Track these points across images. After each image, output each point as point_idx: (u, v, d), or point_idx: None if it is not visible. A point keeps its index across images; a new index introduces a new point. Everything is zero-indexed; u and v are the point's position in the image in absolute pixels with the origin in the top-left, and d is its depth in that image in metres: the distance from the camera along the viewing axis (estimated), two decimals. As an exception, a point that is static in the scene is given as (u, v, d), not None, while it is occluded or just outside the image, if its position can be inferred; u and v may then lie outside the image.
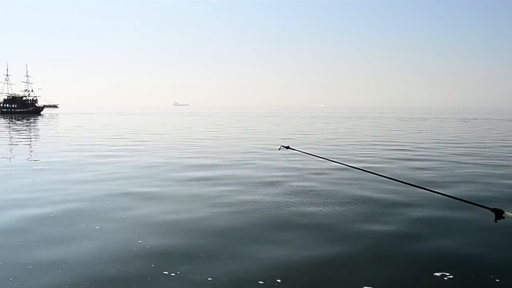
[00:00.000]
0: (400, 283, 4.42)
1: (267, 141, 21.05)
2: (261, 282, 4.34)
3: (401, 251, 5.30)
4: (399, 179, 3.74)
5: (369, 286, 4.26)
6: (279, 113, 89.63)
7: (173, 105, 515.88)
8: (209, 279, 4.43)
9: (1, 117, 63.06)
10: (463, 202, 2.97)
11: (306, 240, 5.68)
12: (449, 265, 4.78)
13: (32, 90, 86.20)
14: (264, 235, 5.87)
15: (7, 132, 29.14)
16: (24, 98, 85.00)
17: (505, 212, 2.59)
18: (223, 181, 9.72)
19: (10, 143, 21.11)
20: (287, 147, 5.23)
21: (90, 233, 5.91)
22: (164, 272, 4.56)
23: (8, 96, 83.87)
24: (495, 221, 2.61)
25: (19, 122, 45.38)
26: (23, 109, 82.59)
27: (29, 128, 34.18)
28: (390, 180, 3.73)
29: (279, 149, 5.32)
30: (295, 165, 10.68)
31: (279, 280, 4.38)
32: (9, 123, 44.51)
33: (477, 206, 2.80)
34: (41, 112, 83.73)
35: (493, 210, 2.61)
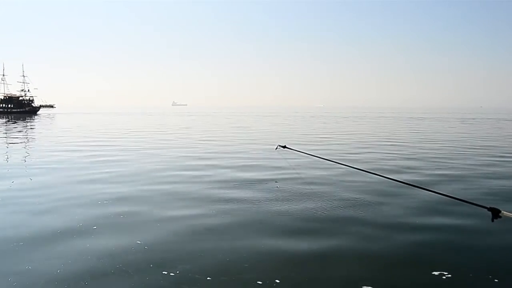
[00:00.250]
0: (399, 282, 4.43)
1: (265, 140, 21.05)
2: (260, 282, 4.35)
3: (400, 250, 5.31)
4: (397, 179, 3.76)
5: (368, 286, 4.28)
6: (278, 113, 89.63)
7: (172, 105, 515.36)
8: (208, 278, 4.44)
9: None
10: (460, 202, 2.98)
11: (305, 240, 5.70)
12: (448, 264, 4.80)
13: (28, 90, 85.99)
14: (263, 235, 5.88)
15: None
16: (20, 98, 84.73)
17: (502, 211, 2.60)
18: (221, 181, 9.73)
19: None
20: (284, 147, 5.24)
21: (89, 233, 5.91)
22: (163, 272, 4.57)
23: (4, 96, 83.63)
24: (492, 221, 2.62)
25: (11, 123, 45.28)
26: (19, 109, 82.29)
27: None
28: (387, 179, 3.74)
29: (276, 148, 5.33)
30: (292, 165, 10.69)
31: (277, 281, 4.39)
32: (6, 123, 44.41)
33: (474, 205, 2.81)
34: (38, 112, 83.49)
35: (490, 209, 2.62)
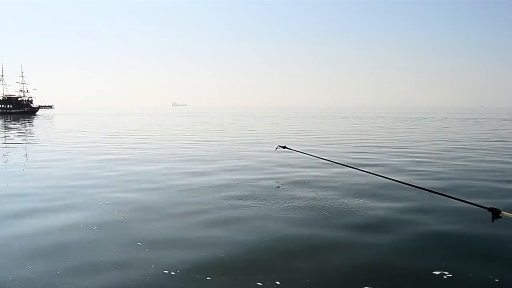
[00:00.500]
0: (400, 282, 4.44)
1: (264, 140, 21.07)
2: (260, 284, 4.35)
3: (400, 250, 5.31)
4: (396, 179, 3.78)
5: (369, 286, 4.29)
6: (278, 113, 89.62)
7: (172, 105, 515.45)
8: (207, 278, 4.45)
9: None
10: (461, 202, 2.99)
11: (305, 240, 5.70)
12: (449, 263, 4.80)
13: (27, 91, 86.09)
14: (262, 235, 5.88)
15: None
16: (19, 99, 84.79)
17: (502, 212, 2.62)
18: (221, 181, 9.73)
19: None
20: (284, 147, 5.25)
21: (88, 234, 5.92)
22: (165, 271, 4.59)
23: (3, 97, 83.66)
24: (492, 221, 2.64)
25: (5, 122, 45.31)
26: (18, 109, 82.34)
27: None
28: (386, 179, 3.76)
29: (276, 149, 5.34)
30: (292, 165, 10.69)
31: (278, 282, 4.39)
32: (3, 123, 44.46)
33: (474, 206, 2.82)
34: (37, 113, 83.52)
35: (490, 209, 2.63)
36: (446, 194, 3.19)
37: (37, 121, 51.37)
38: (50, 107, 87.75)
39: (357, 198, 7.97)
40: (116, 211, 7.08)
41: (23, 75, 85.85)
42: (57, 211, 7.15)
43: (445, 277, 4.48)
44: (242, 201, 7.79)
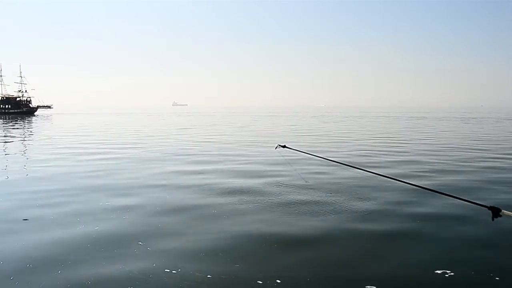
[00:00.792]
0: (400, 282, 4.43)
1: (265, 140, 21.06)
2: (260, 282, 4.36)
3: (401, 250, 5.31)
4: (396, 178, 3.77)
5: (369, 285, 4.29)
6: (279, 113, 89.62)
7: (172, 105, 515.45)
8: (208, 276, 4.46)
9: None
10: (461, 201, 2.99)
11: (305, 240, 5.70)
12: (450, 263, 4.80)
13: (26, 91, 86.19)
14: (262, 235, 5.88)
15: None
16: (18, 99, 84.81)
17: (502, 210, 2.61)
18: (220, 181, 9.73)
19: None
20: (284, 146, 5.23)
21: (90, 233, 5.92)
22: (166, 270, 4.59)
23: (2, 97, 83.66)
24: (492, 219, 2.63)
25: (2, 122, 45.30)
26: (17, 109, 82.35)
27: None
28: (386, 178, 3.75)
29: (276, 148, 5.32)
30: (292, 164, 10.69)
31: (278, 281, 4.40)
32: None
33: (474, 204, 2.82)
34: (35, 113, 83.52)
35: (490, 208, 2.63)
36: (447, 193, 3.18)
37: (35, 121, 51.35)
38: (49, 107, 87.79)
39: (357, 197, 7.97)
40: (116, 211, 7.08)
41: (22, 75, 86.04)
42: (56, 211, 7.15)
43: (446, 275, 4.48)
44: (242, 199, 7.79)
